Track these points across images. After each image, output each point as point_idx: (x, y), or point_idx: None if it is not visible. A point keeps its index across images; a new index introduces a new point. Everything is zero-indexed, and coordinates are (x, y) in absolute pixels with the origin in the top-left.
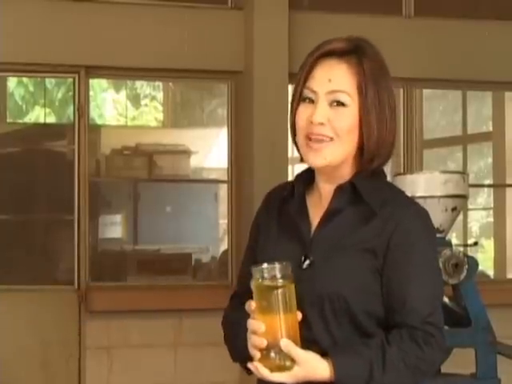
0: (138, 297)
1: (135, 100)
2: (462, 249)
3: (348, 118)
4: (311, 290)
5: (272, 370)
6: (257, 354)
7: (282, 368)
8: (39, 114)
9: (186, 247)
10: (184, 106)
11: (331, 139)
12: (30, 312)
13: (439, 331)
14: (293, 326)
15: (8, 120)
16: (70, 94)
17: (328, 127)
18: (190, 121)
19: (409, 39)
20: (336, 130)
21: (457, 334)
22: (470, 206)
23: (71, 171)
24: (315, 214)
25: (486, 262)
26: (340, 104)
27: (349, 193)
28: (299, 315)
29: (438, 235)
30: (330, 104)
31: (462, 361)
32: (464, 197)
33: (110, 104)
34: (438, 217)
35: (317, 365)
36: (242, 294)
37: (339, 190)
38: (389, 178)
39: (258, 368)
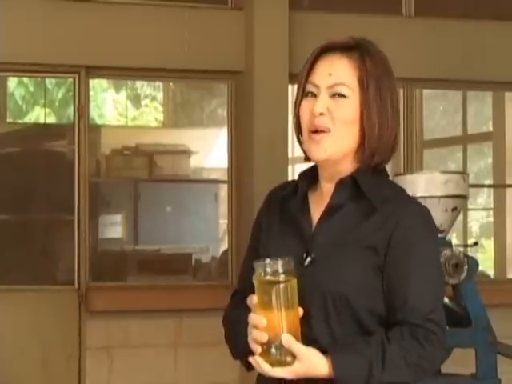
0: (138, 297)
1: (135, 100)
2: (462, 249)
3: (348, 109)
4: (313, 287)
5: (273, 365)
6: (258, 349)
7: (282, 363)
8: (39, 114)
9: (186, 247)
10: (184, 106)
11: (330, 130)
12: (30, 312)
13: (440, 329)
14: (294, 321)
15: (8, 120)
16: (70, 94)
17: (328, 117)
18: (190, 121)
19: (409, 39)
20: (335, 120)
21: (457, 333)
22: (470, 206)
23: (71, 171)
24: (316, 211)
25: (486, 262)
26: (340, 96)
27: (350, 188)
28: (301, 311)
29: (439, 235)
30: (331, 96)
31: (462, 361)
32: (464, 197)
33: (110, 104)
34: (438, 217)
35: (317, 361)
36: (243, 292)
37: (340, 184)
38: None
39: (259, 362)
